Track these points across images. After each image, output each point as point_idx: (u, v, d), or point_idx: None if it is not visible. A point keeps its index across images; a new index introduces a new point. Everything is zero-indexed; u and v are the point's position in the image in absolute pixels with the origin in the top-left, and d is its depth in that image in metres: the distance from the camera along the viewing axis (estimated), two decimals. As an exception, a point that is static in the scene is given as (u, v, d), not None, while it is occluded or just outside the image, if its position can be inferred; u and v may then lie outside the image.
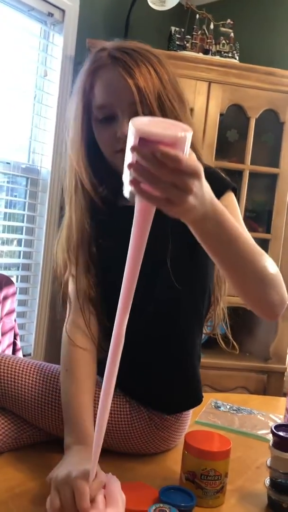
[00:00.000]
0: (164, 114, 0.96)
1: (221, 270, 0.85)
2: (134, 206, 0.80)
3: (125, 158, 0.67)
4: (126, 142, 0.83)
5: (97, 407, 0.79)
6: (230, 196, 1.00)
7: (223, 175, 1.03)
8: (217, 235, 0.76)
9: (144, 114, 0.95)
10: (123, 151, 0.87)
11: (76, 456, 0.89)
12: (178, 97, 1.00)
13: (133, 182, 0.64)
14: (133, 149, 0.63)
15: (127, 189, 0.68)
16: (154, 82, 0.96)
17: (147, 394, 1.06)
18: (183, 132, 0.62)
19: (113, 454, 1.05)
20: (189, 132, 0.63)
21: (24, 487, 0.91)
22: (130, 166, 0.64)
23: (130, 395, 1.06)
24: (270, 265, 0.83)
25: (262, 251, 0.84)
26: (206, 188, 0.70)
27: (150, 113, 0.95)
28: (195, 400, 1.10)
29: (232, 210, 0.95)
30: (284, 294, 0.85)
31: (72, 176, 1.05)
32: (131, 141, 0.64)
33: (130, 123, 0.65)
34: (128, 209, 1.03)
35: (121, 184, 0.88)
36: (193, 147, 0.95)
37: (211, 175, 0.96)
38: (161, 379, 1.06)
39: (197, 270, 1.05)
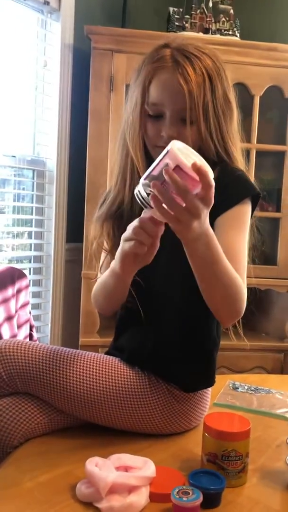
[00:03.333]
0: (207, 123, 1.04)
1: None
2: None
3: (146, 172, 0.81)
4: (167, 142, 0.99)
5: None
6: (244, 206, 1.06)
7: (249, 179, 1.09)
8: (204, 255, 0.90)
9: (191, 120, 1.03)
10: (163, 147, 0.99)
11: None
12: (227, 109, 1.07)
13: (153, 198, 0.79)
14: (168, 173, 0.76)
15: (138, 199, 0.82)
16: (206, 93, 1.02)
17: (165, 370, 1.10)
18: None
19: (133, 438, 1.07)
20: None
21: (49, 475, 0.93)
22: (155, 186, 0.78)
23: (148, 371, 1.11)
24: (238, 289, 0.98)
25: (236, 275, 0.97)
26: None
27: (196, 120, 1.03)
28: (207, 381, 1.15)
29: (238, 222, 1.05)
30: (240, 312, 1.01)
31: (127, 162, 1.11)
32: (166, 162, 0.77)
33: (171, 145, 0.78)
34: None
35: None
36: (229, 153, 1.09)
37: (236, 179, 1.07)
38: (176, 358, 1.11)
39: None
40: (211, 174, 0.79)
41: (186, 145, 0.84)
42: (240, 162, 1.11)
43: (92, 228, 1.17)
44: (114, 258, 1.09)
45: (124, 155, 1.12)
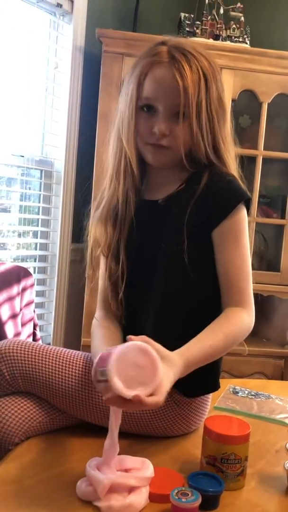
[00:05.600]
0: (199, 121, 1.02)
1: None
2: (152, 200, 1.11)
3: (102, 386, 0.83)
4: (158, 139, 1.04)
5: None
6: (239, 213, 1.05)
7: (239, 185, 1.07)
8: (197, 365, 0.95)
9: (184, 116, 1.01)
10: (153, 145, 1.06)
11: None
12: (221, 110, 1.06)
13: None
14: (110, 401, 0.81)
15: None
16: (200, 91, 1.01)
17: None
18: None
19: (133, 440, 1.08)
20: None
21: (50, 472, 0.94)
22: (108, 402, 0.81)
23: None
24: (242, 333, 1.03)
25: (234, 327, 1.01)
26: (167, 376, 0.84)
27: (188, 116, 1.02)
28: (211, 387, 1.14)
29: (236, 234, 1.04)
30: (248, 332, 1.05)
31: (121, 158, 1.09)
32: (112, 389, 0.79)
33: (114, 384, 0.79)
34: (147, 203, 1.17)
35: (143, 174, 1.15)
36: (220, 156, 1.08)
37: (227, 185, 1.05)
38: None
39: (211, 262, 1.07)
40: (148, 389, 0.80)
41: (125, 349, 0.82)
42: (233, 167, 1.10)
43: (93, 232, 1.14)
44: (114, 260, 1.10)
45: (118, 153, 1.10)
